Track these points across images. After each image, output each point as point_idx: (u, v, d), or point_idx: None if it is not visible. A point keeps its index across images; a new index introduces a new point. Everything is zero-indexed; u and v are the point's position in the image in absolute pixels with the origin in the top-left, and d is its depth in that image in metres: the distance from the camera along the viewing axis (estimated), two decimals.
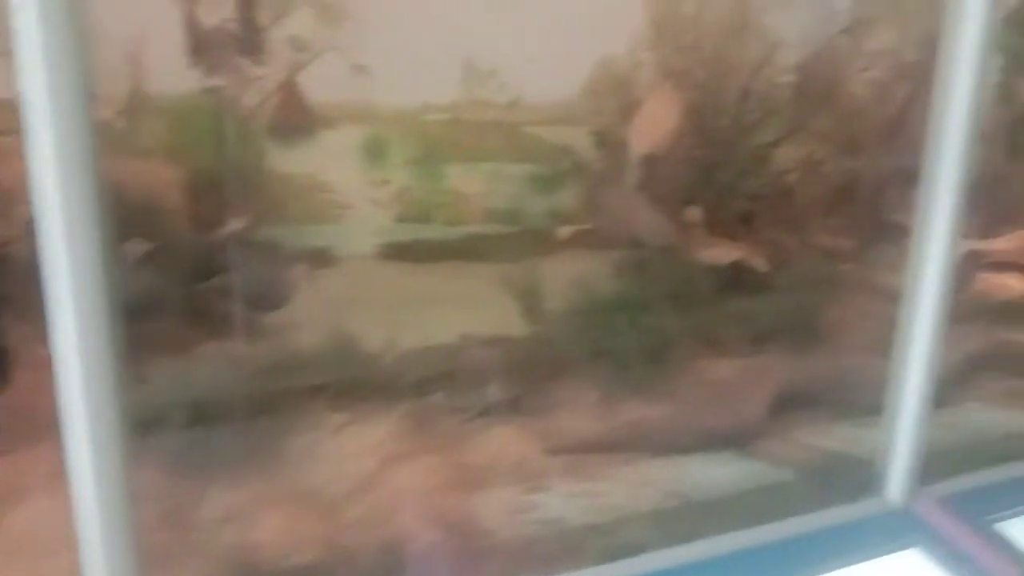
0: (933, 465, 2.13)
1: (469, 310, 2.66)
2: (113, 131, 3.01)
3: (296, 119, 3.82)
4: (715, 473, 1.97)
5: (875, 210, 4.01)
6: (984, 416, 2.36)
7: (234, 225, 3.62)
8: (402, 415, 1.95)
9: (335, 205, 3.93)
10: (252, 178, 3.67)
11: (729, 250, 3.08)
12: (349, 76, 3.80)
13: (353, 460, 1.78)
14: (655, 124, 4.03)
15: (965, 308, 3.05)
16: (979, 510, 1.86)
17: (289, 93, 3.77)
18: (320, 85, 3.75)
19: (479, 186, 4.21)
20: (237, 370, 2.01)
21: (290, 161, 3.76)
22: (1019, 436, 2.27)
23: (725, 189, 3.46)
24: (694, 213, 3.14)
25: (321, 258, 3.59)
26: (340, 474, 1.73)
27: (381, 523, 1.61)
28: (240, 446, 1.76)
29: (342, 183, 3.92)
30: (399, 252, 3.81)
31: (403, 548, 1.55)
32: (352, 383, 2.05)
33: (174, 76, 3.38)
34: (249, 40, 2.46)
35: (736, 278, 3.04)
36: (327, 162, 3.90)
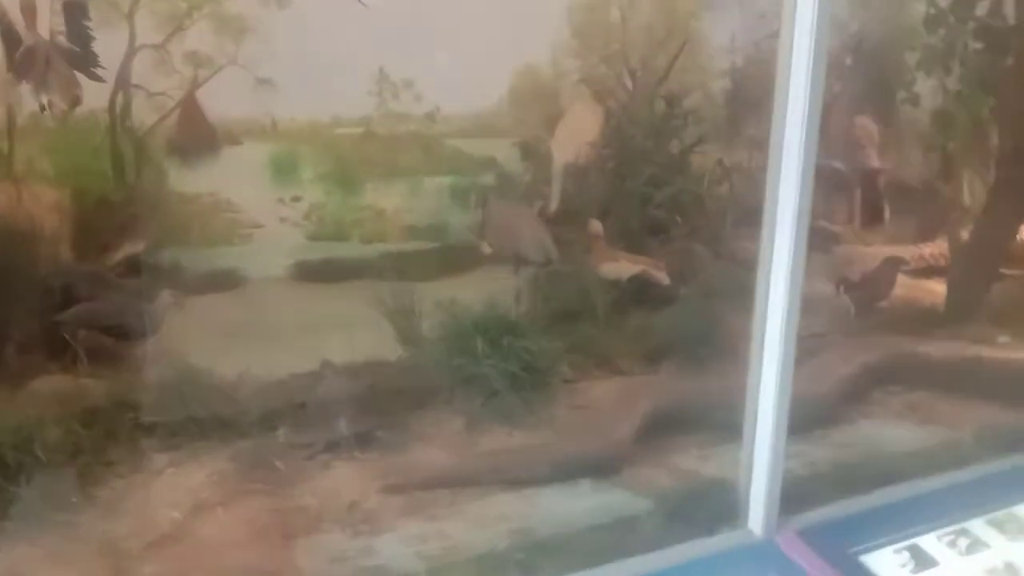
0: (811, 489, 2.02)
1: (356, 333, 2.53)
2: None
3: (198, 136, 3.69)
4: (570, 506, 1.85)
5: None
6: (875, 434, 2.24)
7: (129, 248, 3.49)
8: (235, 454, 1.82)
9: (242, 224, 3.80)
10: (149, 199, 3.54)
11: (630, 264, 2.97)
12: (253, 90, 3.68)
13: (165, 508, 1.65)
14: (576, 134, 3.92)
15: (881, 317, 2.94)
16: (844, 541, 1.74)
17: (189, 109, 3.64)
18: (222, 101, 3.62)
19: (397, 201, 4.09)
20: (66, 405, 1.88)
21: (193, 180, 3.63)
22: (905, 455, 2.16)
23: (636, 198, 3.34)
24: (595, 226, 3.02)
25: (224, 280, 3.46)
26: (145, 525, 1.60)
27: None
28: (43, 493, 1.63)
29: (249, 202, 3.79)
30: (310, 272, 3.68)
31: None
32: (192, 419, 1.92)
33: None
34: (81, 53, 2.34)
35: (637, 292, 2.92)
36: (233, 180, 3.77)
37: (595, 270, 2.95)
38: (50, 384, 2.00)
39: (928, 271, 3.39)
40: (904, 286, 3.32)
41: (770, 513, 1.76)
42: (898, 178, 4.31)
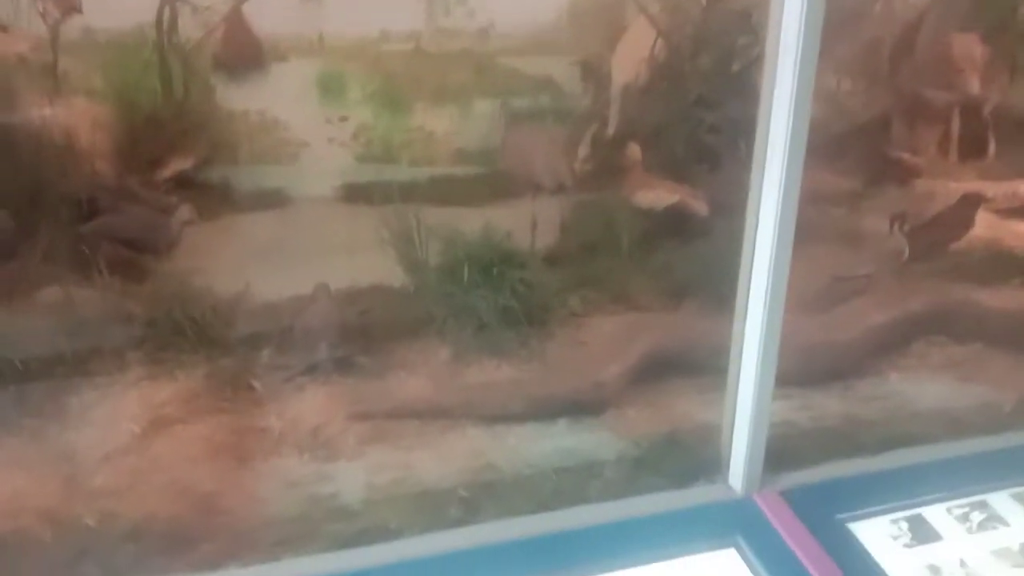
0: (814, 445, 1.84)
1: (371, 257, 2.47)
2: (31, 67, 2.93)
3: (244, 52, 3.66)
4: (541, 445, 1.75)
5: (874, 145, 3.56)
6: (905, 389, 2.02)
7: (177, 165, 3.53)
8: (213, 372, 1.82)
9: (289, 143, 3.78)
10: (197, 115, 3.56)
11: (668, 192, 2.76)
12: (300, 4, 3.60)
13: (127, 421, 1.67)
14: (637, 51, 3.65)
15: (947, 261, 2.64)
16: (833, 506, 1.57)
17: (235, 25, 3.61)
18: (269, 16, 3.57)
19: (447, 123, 3.96)
20: (64, 316, 1.92)
21: (240, 97, 3.62)
22: (933, 415, 1.93)
23: (684, 121, 3.10)
24: (634, 151, 2.82)
25: (268, 200, 3.46)
26: (105, 436, 1.62)
27: (119, 494, 1.50)
28: (18, 399, 1.68)
29: (296, 120, 3.76)
30: (354, 194, 3.63)
31: (126, 521, 1.44)
32: (180, 335, 1.93)
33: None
34: None
35: (671, 224, 2.72)
36: (280, 98, 3.74)
37: (629, 198, 2.76)
38: (54, 294, 2.04)
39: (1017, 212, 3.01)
40: (990, 227, 2.97)
41: (752, 469, 1.61)
42: (1008, 107, 3.83)
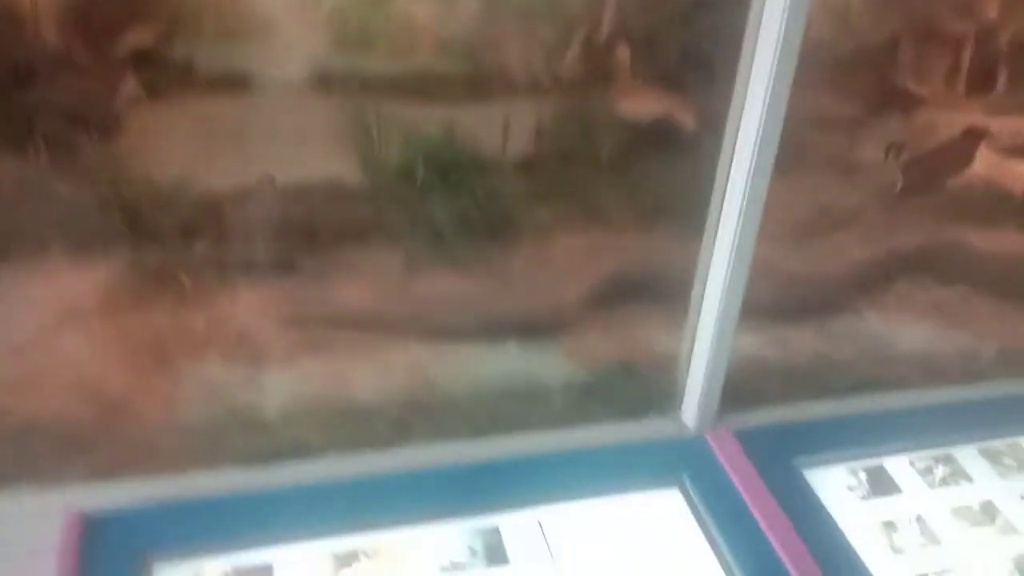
0: (777, 384, 1.73)
1: (329, 151, 2.28)
2: None
3: None
4: (487, 367, 1.63)
5: (879, 70, 3.33)
6: (882, 331, 1.90)
7: (135, 38, 3.28)
8: (140, 264, 1.66)
9: (258, 21, 3.51)
10: None
11: (654, 102, 2.55)
12: None
13: (38, 313, 1.53)
14: None
15: (941, 197, 2.48)
16: (790, 450, 1.47)
17: None
18: None
19: (433, 12, 3.68)
20: None
21: None
22: (909, 359, 1.82)
23: (679, 22, 2.86)
24: (622, 53, 2.59)
25: (232, 82, 3.22)
26: (11, 328, 1.48)
27: (17, 390, 1.37)
28: None
29: None
30: (325, 82, 3.39)
31: (17, 419, 1.32)
32: (107, 224, 1.76)
33: None
34: None
35: (656, 137, 2.53)
36: None
37: (613, 107, 2.56)
38: None
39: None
40: (991, 166, 2.80)
41: (707, 404, 1.50)
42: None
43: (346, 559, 1.17)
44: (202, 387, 1.48)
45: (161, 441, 1.33)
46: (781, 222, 1.69)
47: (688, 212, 1.99)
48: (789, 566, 1.23)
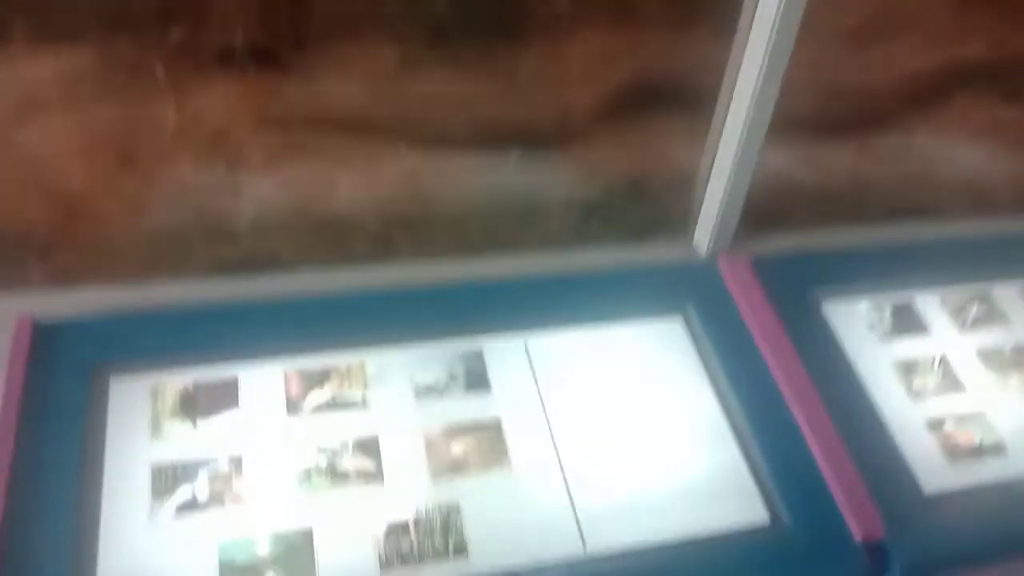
0: (806, 207, 1.57)
1: None
2: None
3: None
4: (487, 178, 1.48)
5: None
6: (932, 152, 1.69)
7: None
8: (109, 51, 1.49)
9: None
10: None
11: None
12: None
13: None
14: None
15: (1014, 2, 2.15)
16: (808, 280, 1.34)
17: None
18: None
19: None
20: None
21: None
22: (958, 185, 1.63)
23: None
24: None
25: None
26: None
27: None
28: None
29: None
30: None
31: None
32: (72, 8, 1.58)
33: None
34: None
35: None
36: None
37: None
38: None
39: None
40: None
41: (722, 228, 1.36)
42: None
43: (316, 378, 1.09)
44: (171, 190, 1.36)
45: (125, 248, 1.23)
46: (827, 23, 1.45)
47: (722, 7, 1.73)
48: (792, 404, 1.14)
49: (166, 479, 0.98)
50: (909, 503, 1.07)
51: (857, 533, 1.04)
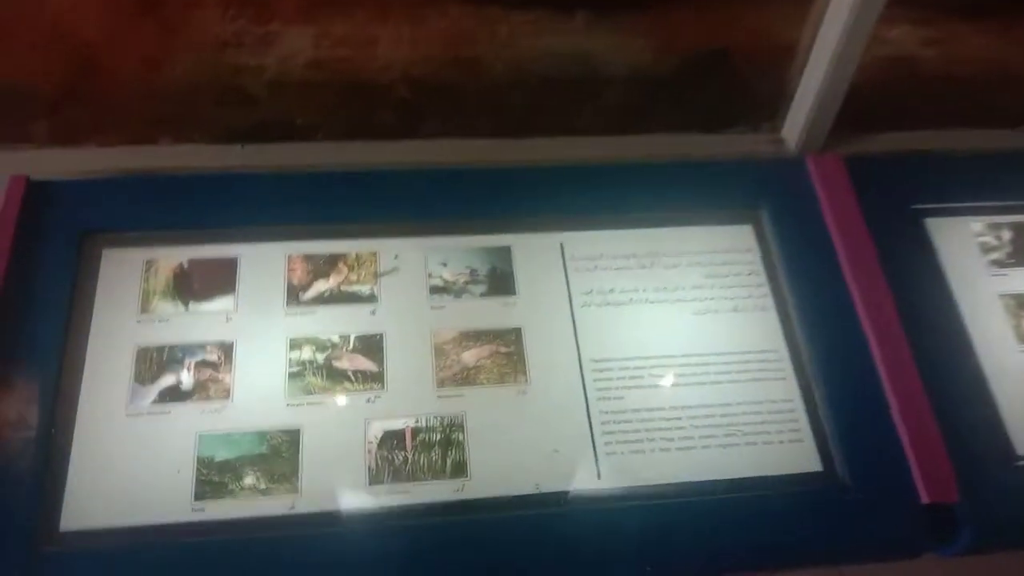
0: (920, 101, 1.31)
1: None
2: None
3: None
4: (546, 41, 1.29)
5: None
6: None
7: None
8: None
9: None
10: None
11: None
12: None
13: None
14: None
15: None
16: (911, 190, 1.12)
17: None
18: None
19: None
20: None
21: None
22: None
23: None
24: None
25: None
26: None
27: None
28: None
29: None
30: None
31: None
32: None
33: None
34: None
35: None
36: None
37: None
38: None
39: None
40: None
41: (817, 121, 1.14)
42: None
43: (323, 265, 0.98)
44: (192, 41, 1.23)
45: (134, 106, 1.13)
46: None
47: None
48: (871, 337, 0.96)
49: (150, 362, 0.90)
50: (995, 466, 0.91)
51: (925, 494, 0.88)
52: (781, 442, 0.92)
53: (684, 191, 1.09)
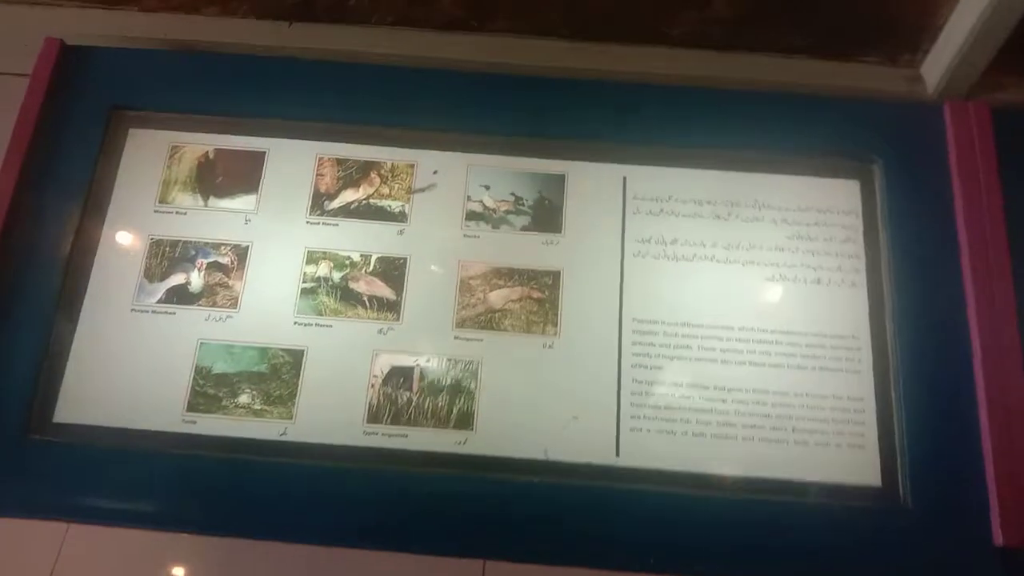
0: None
1: None
2: None
3: None
4: None
5: None
6: None
7: None
8: None
9: None
10: None
11: None
12: None
13: None
14: None
15: None
16: None
17: None
18: None
19: None
20: None
21: None
22: None
23: None
24: None
25: None
26: None
27: None
28: None
29: None
30: None
31: None
32: None
33: None
34: None
35: None
36: None
37: None
38: None
39: None
40: None
41: (966, 60, 0.93)
42: None
43: (354, 173, 0.89)
44: None
45: None
46: None
47: None
48: (976, 336, 0.80)
49: (162, 257, 0.85)
50: None
51: (1000, 535, 0.74)
52: (838, 445, 0.79)
53: (784, 129, 0.92)
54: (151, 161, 0.90)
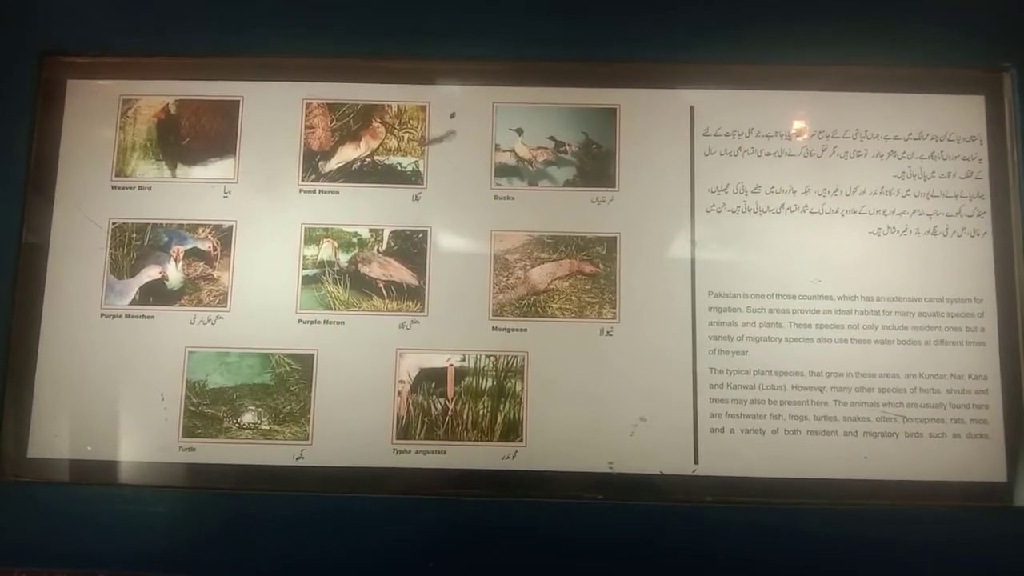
0: None
1: None
2: None
3: None
4: None
5: None
6: None
7: None
8: None
9: None
10: None
11: None
12: None
13: None
14: None
15: None
16: None
17: None
18: None
19: None
20: None
21: None
22: None
23: None
24: None
25: None
26: None
27: None
28: None
29: None
30: None
31: None
32: None
33: None
34: None
35: None
36: None
37: None
38: None
39: None
40: None
41: None
42: None
43: (352, 122, 0.71)
44: None
45: None
46: None
47: None
48: None
49: (129, 248, 0.69)
50: None
51: None
52: (956, 435, 0.66)
53: (889, 32, 0.72)
54: (99, 121, 0.72)
